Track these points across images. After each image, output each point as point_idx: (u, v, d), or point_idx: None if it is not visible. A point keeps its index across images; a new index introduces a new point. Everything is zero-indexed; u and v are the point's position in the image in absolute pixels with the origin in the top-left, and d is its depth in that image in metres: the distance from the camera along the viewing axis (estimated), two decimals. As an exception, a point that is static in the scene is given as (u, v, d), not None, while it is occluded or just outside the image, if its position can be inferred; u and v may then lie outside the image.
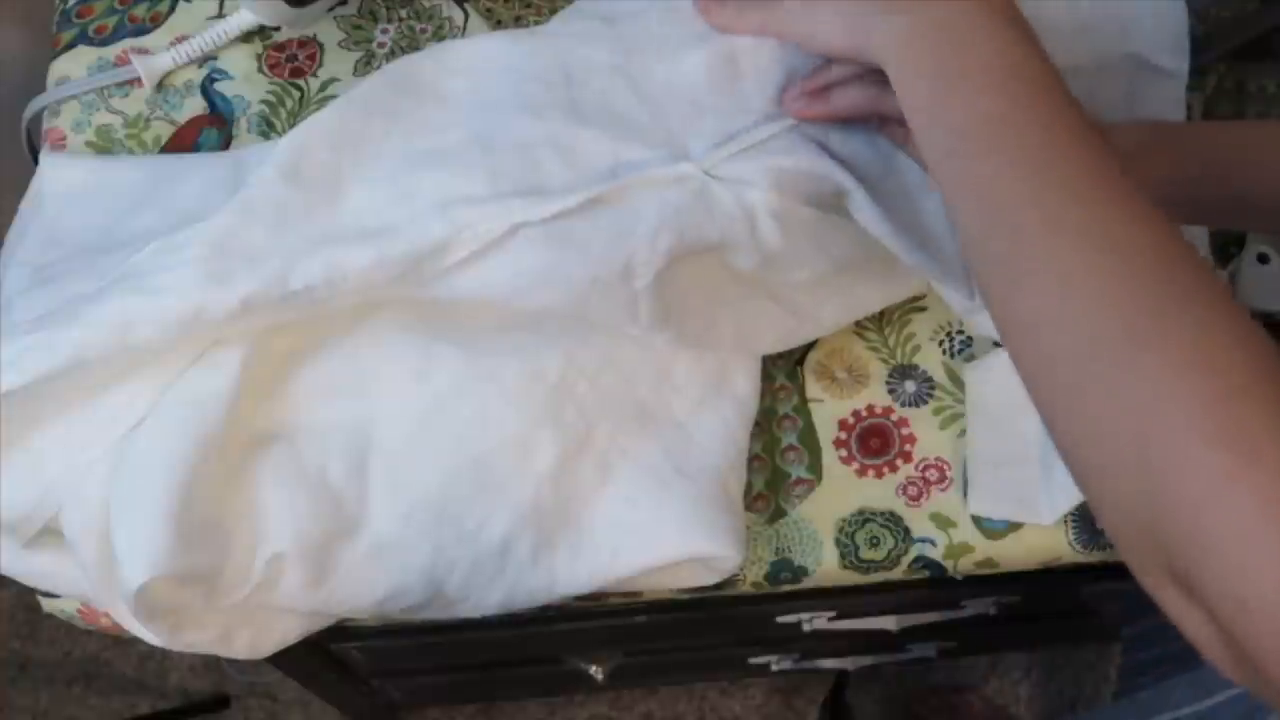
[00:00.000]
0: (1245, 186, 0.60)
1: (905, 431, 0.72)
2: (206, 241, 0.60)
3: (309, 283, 0.59)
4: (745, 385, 0.70)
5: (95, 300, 0.59)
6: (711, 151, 0.62)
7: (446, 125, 0.65)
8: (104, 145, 0.79)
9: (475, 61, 0.67)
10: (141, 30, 0.82)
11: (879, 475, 0.71)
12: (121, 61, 0.81)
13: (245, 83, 0.80)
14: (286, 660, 0.83)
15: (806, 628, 0.92)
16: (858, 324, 0.74)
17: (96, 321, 0.58)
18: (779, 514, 0.71)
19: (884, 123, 0.64)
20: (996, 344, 0.73)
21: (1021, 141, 0.48)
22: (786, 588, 0.71)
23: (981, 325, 0.69)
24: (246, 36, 0.81)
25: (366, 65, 0.80)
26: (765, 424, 0.72)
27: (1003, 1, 0.53)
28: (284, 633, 0.67)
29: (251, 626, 0.65)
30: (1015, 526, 0.70)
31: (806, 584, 0.71)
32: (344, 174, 0.64)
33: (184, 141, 0.78)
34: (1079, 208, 0.46)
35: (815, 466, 0.71)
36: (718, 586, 0.69)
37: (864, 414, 0.73)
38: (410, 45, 0.81)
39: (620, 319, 0.63)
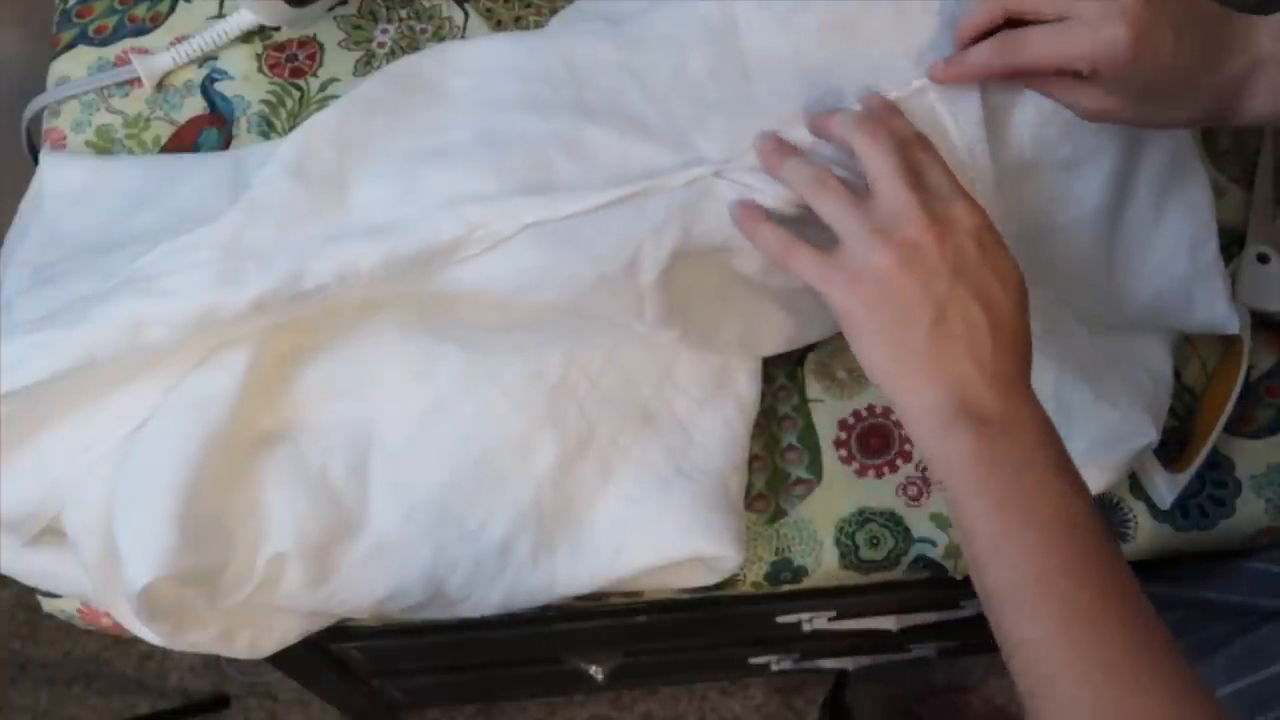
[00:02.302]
0: None
1: (905, 431, 0.72)
2: (216, 243, 0.60)
3: (321, 282, 0.59)
4: (747, 385, 0.70)
5: (103, 301, 0.59)
6: (725, 161, 0.62)
7: (452, 123, 0.65)
8: (104, 145, 0.79)
9: (479, 61, 0.67)
10: (141, 30, 0.82)
11: (879, 475, 0.71)
12: (121, 61, 0.81)
13: (245, 83, 0.80)
14: (286, 660, 0.83)
15: (806, 628, 0.92)
16: (858, 324, 0.73)
17: (106, 322, 0.58)
18: (779, 514, 0.71)
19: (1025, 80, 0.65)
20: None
21: (1071, 608, 0.51)
22: (786, 588, 0.71)
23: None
24: (246, 36, 0.81)
25: (366, 65, 0.80)
26: (765, 424, 0.72)
27: (1054, 443, 0.55)
28: (284, 632, 0.67)
29: (252, 626, 0.65)
30: (1015, 526, 0.70)
31: (806, 584, 0.71)
32: (349, 172, 0.64)
33: (184, 141, 0.78)
34: (1117, 688, 0.50)
35: (815, 466, 0.71)
36: (718, 586, 0.69)
37: (864, 414, 0.73)
38: (410, 45, 0.81)
39: (627, 316, 0.63)
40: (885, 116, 0.61)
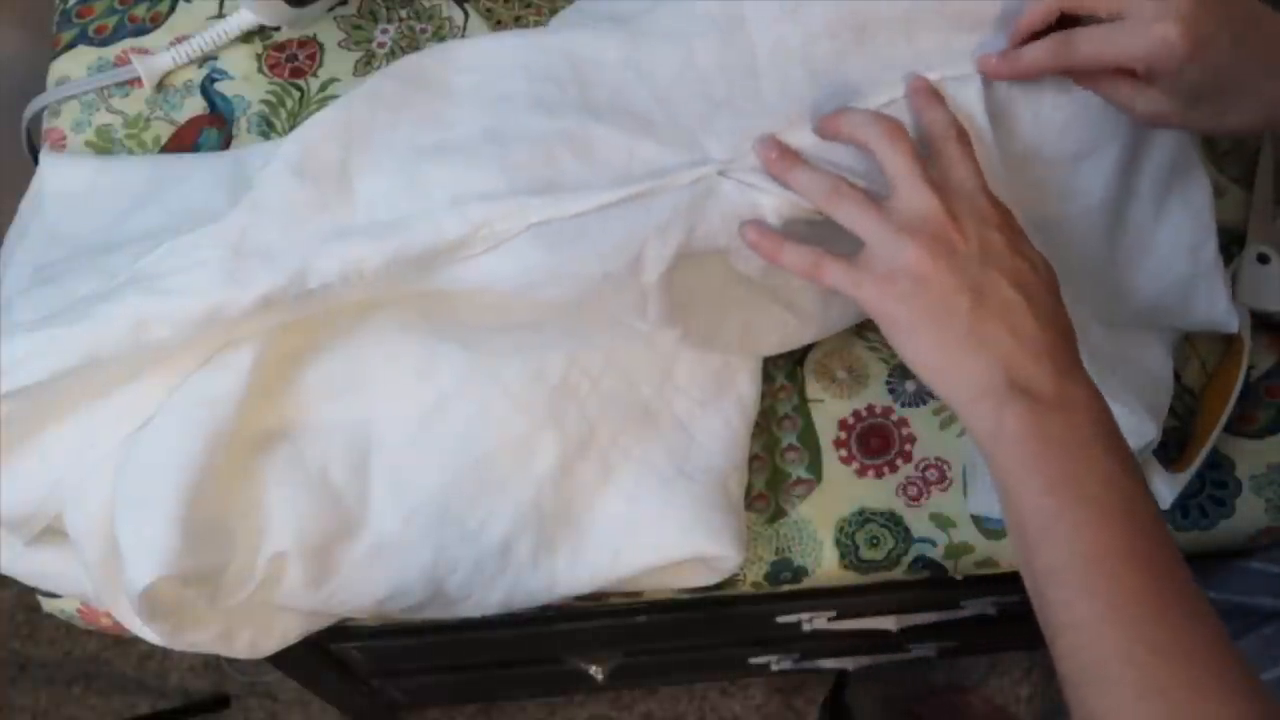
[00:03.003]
0: None
1: (905, 431, 0.72)
2: (220, 242, 0.60)
3: (326, 280, 0.59)
4: (747, 385, 0.70)
5: (107, 300, 0.59)
6: (730, 161, 0.62)
7: (457, 120, 0.65)
8: (104, 145, 0.79)
9: (483, 60, 0.67)
10: (141, 30, 0.82)
11: (879, 475, 0.71)
12: (121, 61, 0.81)
13: (245, 83, 0.80)
14: (286, 660, 0.83)
15: (806, 628, 0.92)
16: (859, 324, 0.74)
17: (109, 320, 0.58)
18: (779, 514, 0.71)
19: (1079, 78, 0.65)
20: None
21: (1120, 588, 0.51)
22: (786, 588, 0.71)
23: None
24: (246, 36, 0.81)
25: (366, 65, 0.80)
26: (765, 424, 0.72)
27: (1108, 423, 0.55)
28: (284, 632, 0.67)
29: (252, 626, 0.65)
30: (1015, 526, 0.70)
31: (806, 584, 0.71)
32: (353, 169, 0.64)
33: (184, 141, 0.78)
34: (1167, 669, 0.49)
35: (815, 466, 0.71)
36: (718, 586, 0.69)
37: (864, 414, 0.73)
38: (410, 45, 0.81)
39: (630, 314, 0.63)
40: (924, 104, 0.62)
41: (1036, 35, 0.63)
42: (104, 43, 0.82)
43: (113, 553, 0.59)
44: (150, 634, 0.62)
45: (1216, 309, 0.69)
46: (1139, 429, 0.65)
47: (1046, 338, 0.55)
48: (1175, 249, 0.70)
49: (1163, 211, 0.70)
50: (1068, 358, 0.56)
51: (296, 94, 0.79)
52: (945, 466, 0.71)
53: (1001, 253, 0.56)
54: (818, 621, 0.92)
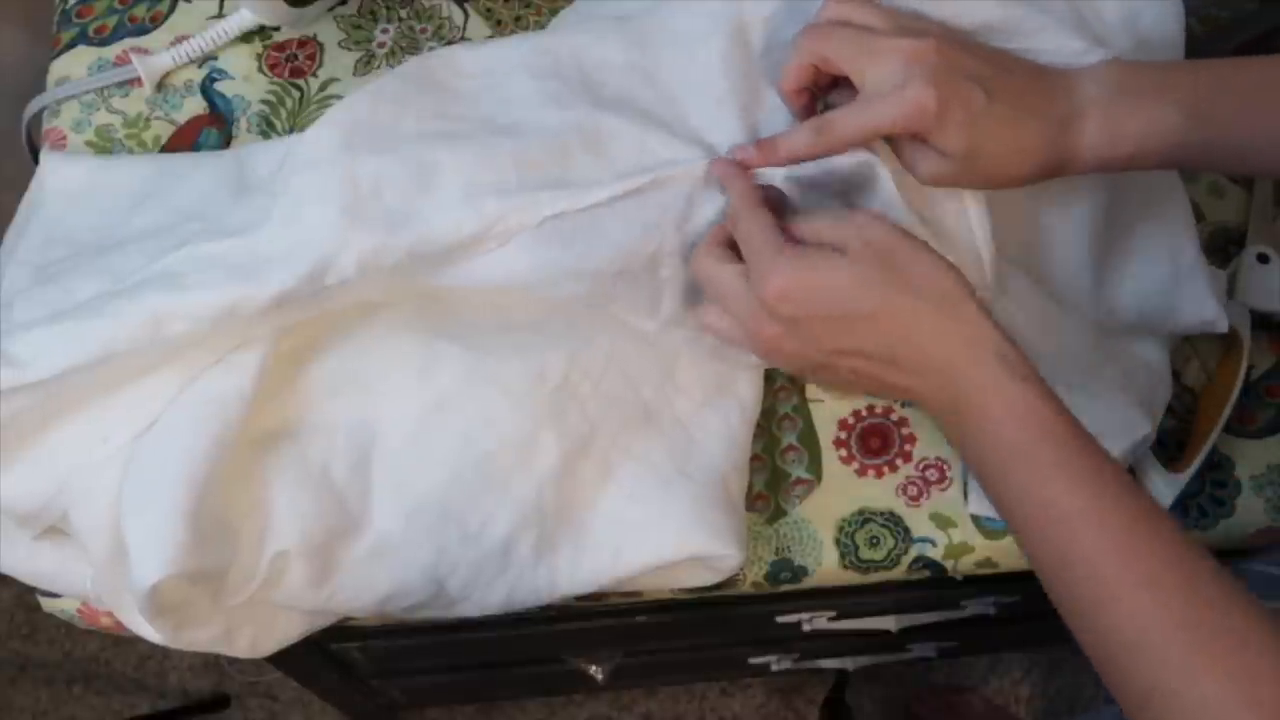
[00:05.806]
0: (1250, 130, 0.60)
1: (905, 431, 0.72)
2: (239, 245, 0.60)
3: (343, 278, 0.59)
4: (748, 386, 0.70)
5: (124, 297, 0.59)
6: (735, 149, 0.63)
7: (466, 115, 0.65)
8: (104, 145, 0.79)
9: (486, 65, 0.67)
10: (141, 30, 0.82)
11: (879, 475, 0.71)
12: (121, 61, 0.81)
13: (245, 82, 0.80)
14: (286, 660, 0.83)
15: (806, 628, 0.92)
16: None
17: (127, 316, 0.58)
18: (779, 514, 0.71)
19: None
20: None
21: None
22: (786, 588, 0.71)
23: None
24: (246, 36, 0.81)
25: (366, 65, 0.80)
26: (765, 424, 0.72)
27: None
28: (285, 631, 0.66)
29: (253, 625, 0.65)
30: (1015, 526, 0.70)
31: (806, 584, 0.71)
32: (364, 167, 0.63)
33: (184, 141, 0.78)
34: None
35: (815, 466, 0.71)
36: (718, 586, 0.69)
37: (864, 414, 0.73)
38: (410, 45, 0.81)
39: (640, 312, 0.63)
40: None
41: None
42: (104, 43, 0.82)
43: (120, 550, 0.59)
44: (151, 633, 0.62)
45: (1204, 310, 0.69)
46: (1128, 426, 0.65)
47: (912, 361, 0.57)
48: (1153, 254, 0.70)
49: (1139, 218, 0.71)
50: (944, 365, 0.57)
51: (296, 94, 0.80)
52: (945, 466, 0.71)
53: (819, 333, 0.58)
54: (818, 621, 0.92)
